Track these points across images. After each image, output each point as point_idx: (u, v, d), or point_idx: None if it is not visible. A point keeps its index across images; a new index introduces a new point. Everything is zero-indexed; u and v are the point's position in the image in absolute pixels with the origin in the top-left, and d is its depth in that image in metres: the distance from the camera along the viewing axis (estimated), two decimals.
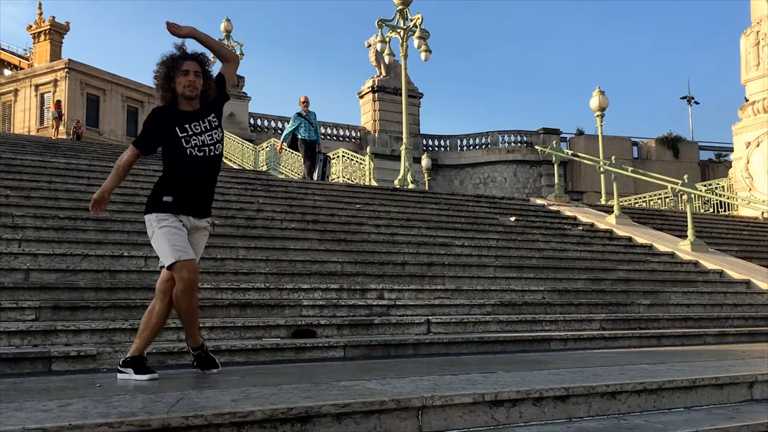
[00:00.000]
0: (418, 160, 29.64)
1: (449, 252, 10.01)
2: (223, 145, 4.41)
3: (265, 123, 30.69)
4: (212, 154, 4.29)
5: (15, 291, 6.08)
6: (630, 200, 22.45)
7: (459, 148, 35.48)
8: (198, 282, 4.20)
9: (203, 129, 4.26)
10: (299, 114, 15.61)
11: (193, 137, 4.23)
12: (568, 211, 14.60)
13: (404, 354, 6.13)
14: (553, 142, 20.09)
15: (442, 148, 35.45)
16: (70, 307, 5.90)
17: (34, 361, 4.82)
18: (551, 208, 14.87)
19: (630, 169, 16.75)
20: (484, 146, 35.18)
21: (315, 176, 15.65)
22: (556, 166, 17.18)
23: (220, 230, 9.24)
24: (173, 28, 4.35)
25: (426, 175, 31.96)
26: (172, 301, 4.15)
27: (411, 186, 17.47)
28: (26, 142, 20.95)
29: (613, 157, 17.53)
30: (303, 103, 15.67)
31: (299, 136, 15.57)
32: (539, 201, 15.90)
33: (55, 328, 5.37)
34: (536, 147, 25.67)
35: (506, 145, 35.15)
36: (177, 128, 4.21)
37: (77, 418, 2.60)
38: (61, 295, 6.20)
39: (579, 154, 20.26)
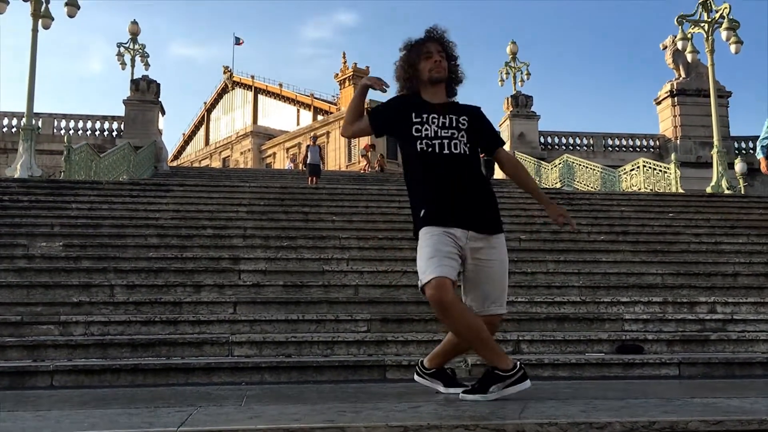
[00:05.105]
0: (730, 166, 26.64)
1: None
2: (469, 149, 3.40)
3: (555, 140, 30.10)
4: (448, 151, 3.36)
5: (348, 305, 6.64)
6: None
7: None
8: (445, 301, 3.09)
9: (442, 124, 3.39)
10: None
11: (426, 126, 3.39)
12: None
13: (752, 374, 5.40)
14: None
15: None
16: (396, 320, 6.25)
17: (371, 368, 5.15)
18: None
19: None
20: None
21: None
22: None
23: (526, 245, 9.18)
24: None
25: (741, 180, 28.56)
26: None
27: (726, 192, 15.75)
28: (340, 177, 23.33)
29: None
30: None
31: None
32: None
33: (386, 339, 5.71)
34: None
35: None
36: (413, 113, 3.42)
37: (433, 418, 2.61)
38: (386, 309, 6.60)
39: None
